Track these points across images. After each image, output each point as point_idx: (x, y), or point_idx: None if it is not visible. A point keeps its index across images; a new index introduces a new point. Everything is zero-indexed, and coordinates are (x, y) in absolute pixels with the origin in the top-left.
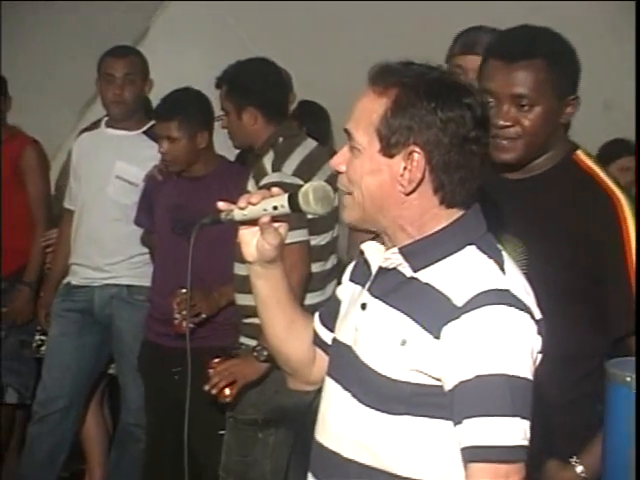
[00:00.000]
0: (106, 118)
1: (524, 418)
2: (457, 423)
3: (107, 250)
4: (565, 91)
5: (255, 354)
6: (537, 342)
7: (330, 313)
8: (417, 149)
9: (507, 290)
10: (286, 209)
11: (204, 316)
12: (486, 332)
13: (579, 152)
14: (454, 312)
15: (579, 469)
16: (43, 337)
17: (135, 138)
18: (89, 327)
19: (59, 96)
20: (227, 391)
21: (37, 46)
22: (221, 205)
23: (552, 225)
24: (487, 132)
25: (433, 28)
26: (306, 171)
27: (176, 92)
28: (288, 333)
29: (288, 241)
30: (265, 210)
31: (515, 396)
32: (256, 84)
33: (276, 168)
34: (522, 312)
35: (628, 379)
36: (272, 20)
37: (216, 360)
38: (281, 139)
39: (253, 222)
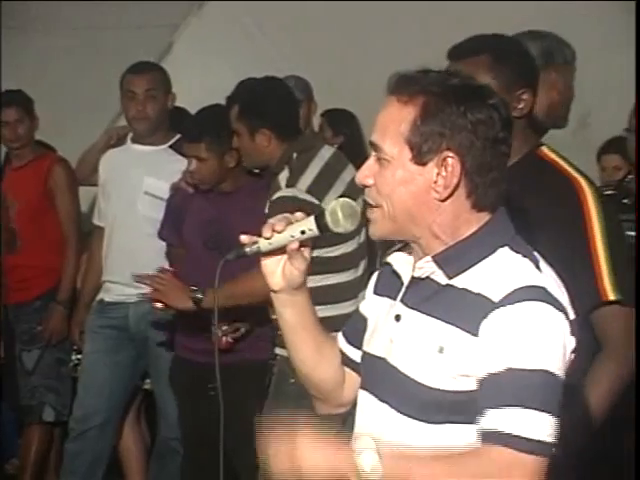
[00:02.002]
0: (131, 134)
1: (551, 414)
2: (481, 413)
3: (141, 266)
4: (513, 86)
5: (190, 290)
6: (570, 342)
7: (355, 330)
8: (450, 154)
9: (544, 288)
10: (314, 232)
11: (243, 330)
12: (521, 326)
13: (543, 147)
14: (491, 307)
15: None
16: (79, 356)
17: (162, 153)
18: (124, 343)
19: (86, 114)
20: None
21: (63, 65)
22: (244, 239)
23: (520, 218)
24: (511, 132)
25: (457, 30)
26: (322, 186)
27: (204, 111)
28: (317, 357)
29: None
30: (292, 236)
31: (545, 391)
32: (268, 106)
33: (290, 184)
34: (557, 311)
35: None
36: (298, 30)
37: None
38: (295, 155)
39: (277, 251)
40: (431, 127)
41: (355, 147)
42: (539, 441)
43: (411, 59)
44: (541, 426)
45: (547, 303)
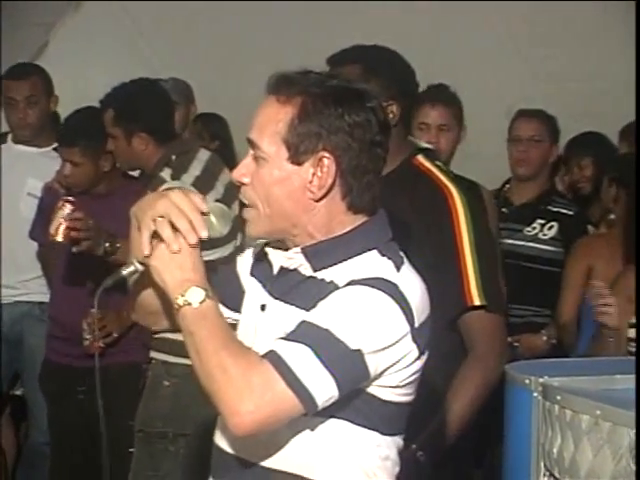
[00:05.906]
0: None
1: (335, 379)
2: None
3: (20, 267)
4: (380, 96)
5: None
6: (408, 346)
7: (230, 293)
8: (327, 154)
9: (394, 284)
10: None
11: (115, 335)
12: (345, 303)
13: (419, 156)
14: (334, 289)
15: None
16: None
17: (46, 155)
18: None
19: None
20: None
21: None
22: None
23: (393, 226)
24: (388, 137)
25: (339, 38)
26: (203, 187)
27: (78, 113)
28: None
29: None
30: None
31: (343, 360)
32: (145, 109)
33: (175, 178)
34: (397, 306)
35: (527, 382)
36: (178, 32)
37: None
38: (174, 157)
39: None
40: (308, 127)
41: (227, 152)
42: (306, 386)
43: (292, 63)
44: (322, 382)
45: (386, 294)
